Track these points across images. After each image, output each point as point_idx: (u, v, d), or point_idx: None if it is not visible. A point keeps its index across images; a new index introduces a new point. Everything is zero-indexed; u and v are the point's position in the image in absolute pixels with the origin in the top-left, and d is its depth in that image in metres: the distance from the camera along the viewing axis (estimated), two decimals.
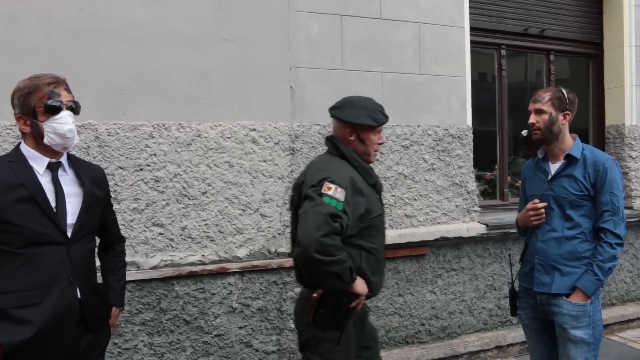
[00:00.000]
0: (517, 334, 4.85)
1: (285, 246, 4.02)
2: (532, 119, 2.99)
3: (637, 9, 5.69)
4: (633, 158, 5.67)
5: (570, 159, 2.97)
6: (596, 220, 2.91)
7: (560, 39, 5.69)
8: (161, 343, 3.73)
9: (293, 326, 4.07)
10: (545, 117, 2.95)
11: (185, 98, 3.78)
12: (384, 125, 2.80)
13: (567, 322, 2.87)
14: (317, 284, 2.46)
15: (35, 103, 2.23)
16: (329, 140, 2.71)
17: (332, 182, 2.39)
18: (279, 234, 4.03)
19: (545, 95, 2.98)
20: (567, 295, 2.89)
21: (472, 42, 4.90)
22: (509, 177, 5.43)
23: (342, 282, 2.38)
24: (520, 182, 3.42)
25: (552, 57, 5.69)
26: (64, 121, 2.25)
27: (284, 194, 4.03)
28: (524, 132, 6.05)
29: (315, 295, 2.49)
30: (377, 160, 4.32)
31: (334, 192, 2.37)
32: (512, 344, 4.85)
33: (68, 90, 2.32)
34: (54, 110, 2.24)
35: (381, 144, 2.71)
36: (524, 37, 5.48)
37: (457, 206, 4.70)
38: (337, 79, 4.23)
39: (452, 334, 4.74)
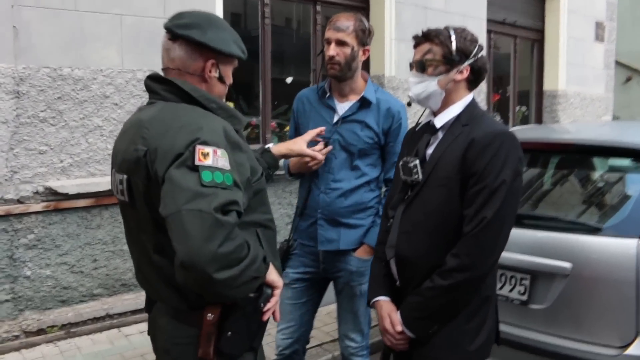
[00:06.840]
0: None
1: (12, 192, 3.89)
2: (332, 50, 2.52)
3: None
4: None
5: (363, 102, 2.61)
6: (386, 172, 2.69)
7: None
8: None
9: (28, 273, 4.01)
10: (347, 50, 2.52)
11: None
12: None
13: (355, 279, 2.66)
14: (222, 300, 1.64)
15: None
16: (160, 80, 1.76)
17: (205, 143, 1.53)
18: (6, 180, 3.88)
19: (349, 25, 2.53)
20: (354, 250, 2.66)
21: None
22: (273, 123, 5.65)
23: (258, 281, 1.64)
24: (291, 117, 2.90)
25: (318, 7, 5.89)
26: None
27: (9, 139, 3.87)
28: (289, 80, 6.29)
29: (211, 316, 1.62)
30: (116, 104, 4.30)
31: (214, 158, 1.51)
32: None
33: None
34: None
35: (231, 84, 1.90)
36: None
37: None
38: (69, 20, 4.07)
39: None
